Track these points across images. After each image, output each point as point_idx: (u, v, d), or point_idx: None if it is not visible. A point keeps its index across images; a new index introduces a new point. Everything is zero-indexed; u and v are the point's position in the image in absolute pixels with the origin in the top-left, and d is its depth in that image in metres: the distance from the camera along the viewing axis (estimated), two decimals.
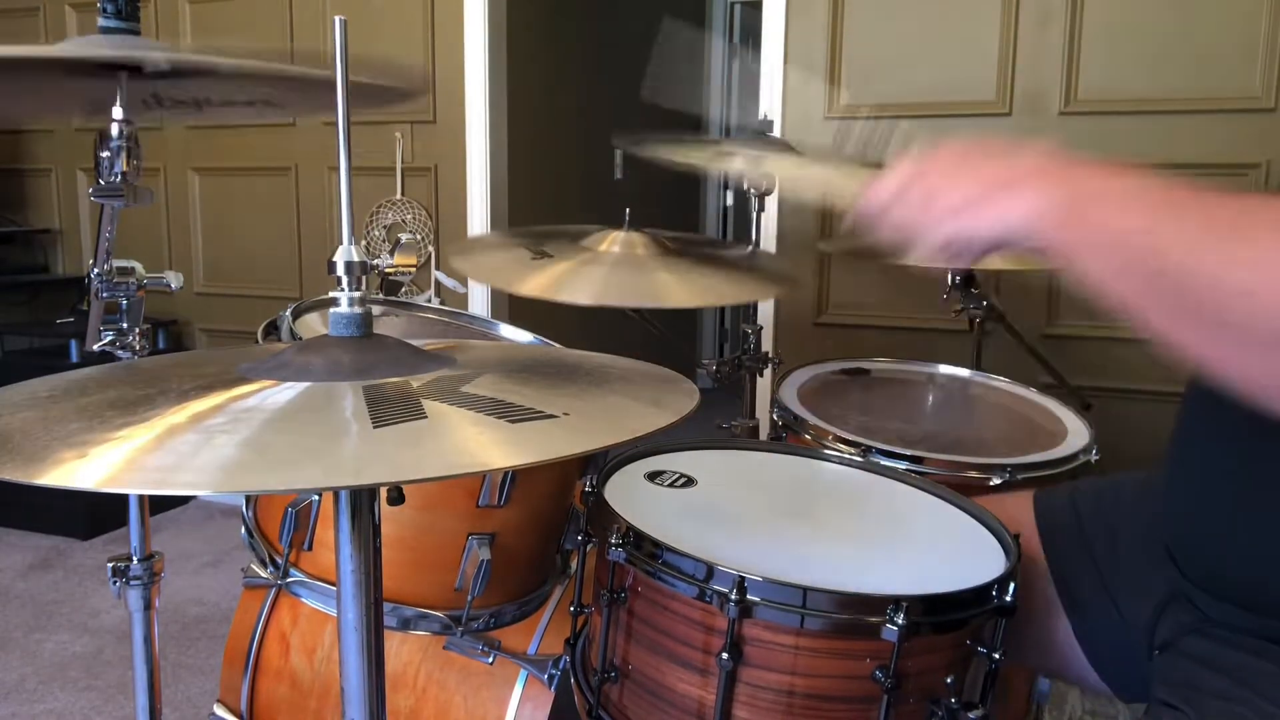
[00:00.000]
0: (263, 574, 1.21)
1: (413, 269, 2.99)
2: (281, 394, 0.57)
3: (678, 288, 1.20)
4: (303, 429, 0.53)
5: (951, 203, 0.67)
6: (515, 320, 1.55)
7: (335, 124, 0.61)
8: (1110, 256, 0.58)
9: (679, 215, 4.91)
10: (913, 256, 0.72)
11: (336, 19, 0.59)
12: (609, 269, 1.21)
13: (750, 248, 1.58)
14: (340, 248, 0.63)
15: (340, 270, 0.63)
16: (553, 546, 1.29)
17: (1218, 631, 0.77)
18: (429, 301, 2.87)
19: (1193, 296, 0.54)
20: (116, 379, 0.64)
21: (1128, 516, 0.95)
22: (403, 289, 2.91)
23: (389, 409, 0.54)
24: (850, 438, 1.29)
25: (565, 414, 0.57)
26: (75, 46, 0.84)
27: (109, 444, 0.49)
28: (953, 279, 1.73)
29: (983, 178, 0.66)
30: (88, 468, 0.46)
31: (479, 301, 2.90)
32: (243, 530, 1.25)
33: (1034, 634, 0.95)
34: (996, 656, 0.80)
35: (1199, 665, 0.77)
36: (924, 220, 0.68)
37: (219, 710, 1.26)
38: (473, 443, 0.53)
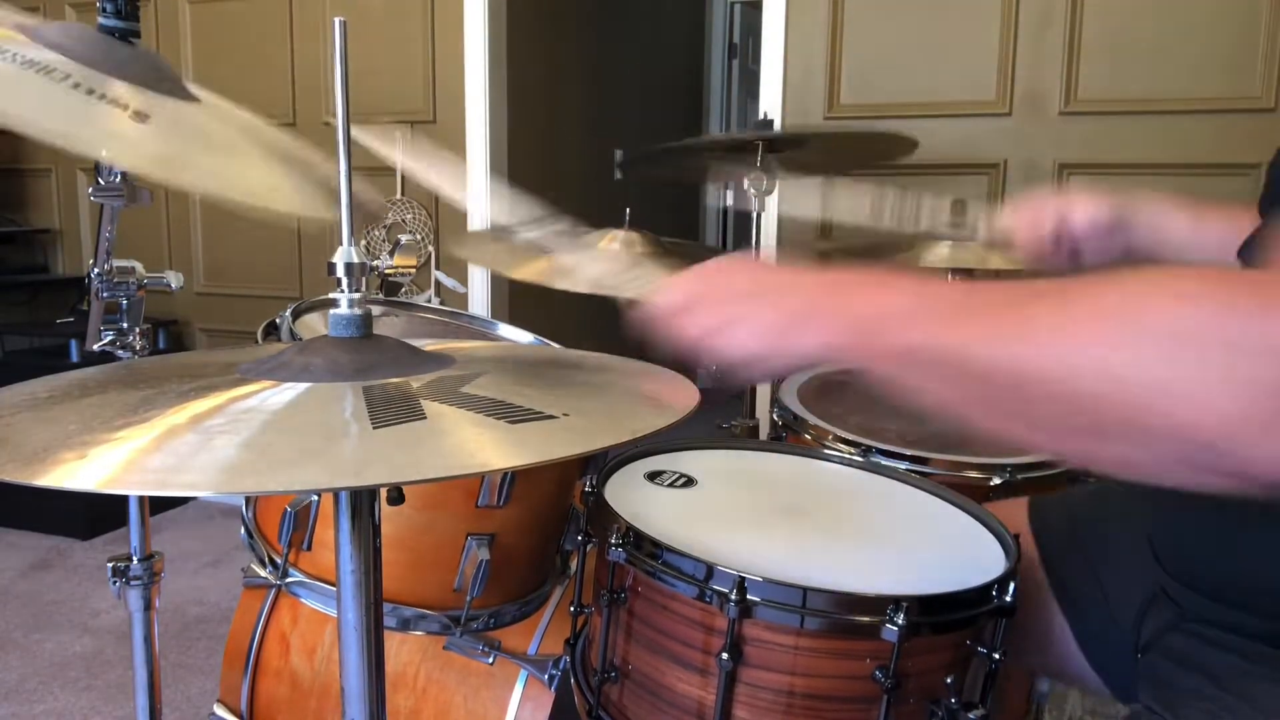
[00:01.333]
0: (262, 574, 1.21)
1: (413, 269, 2.99)
2: (281, 395, 0.57)
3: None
4: (303, 430, 0.53)
5: (750, 329, 0.67)
6: (515, 320, 1.55)
7: (335, 124, 0.61)
8: (908, 371, 0.59)
9: (679, 216, 4.91)
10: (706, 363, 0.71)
11: (336, 20, 0.59)
12: (607, 263, 1.22)
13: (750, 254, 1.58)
14: (340, 249, 0.63)
15: (340, 271, 0.63)
16: (553, 546, 1.29)
17: (1194, 628, 0.78)
18: (429, 301, 2.87)
19: (1000, 398, 0.53)
20: (116, 379, 0.64)
21: (1117, 516, 0.95)
22: (402, 289, 2.91)
23: (389, 410, 0.54)
24: (850, 438, 1.29)
25: (565, 414, 0.57)
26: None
27: (109, 444, 0.49)
28: (952, 279, 1.73)
29: (773, 307, 0.67)
30: (88, 468, 0.46)
31: (479, 301, 2.90)
32: (242, 530, 1.25)
33: (1033, 634, 0.95)
34: (997, 657, 0.80)
35: (1177, 664, 0.78)
36: (722, 342, 0.68)
37: (219, 710, 1.26)
38: (473, 443, 0.53)
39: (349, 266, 0.63)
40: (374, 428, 0.52)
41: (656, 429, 0.57)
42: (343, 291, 0.63)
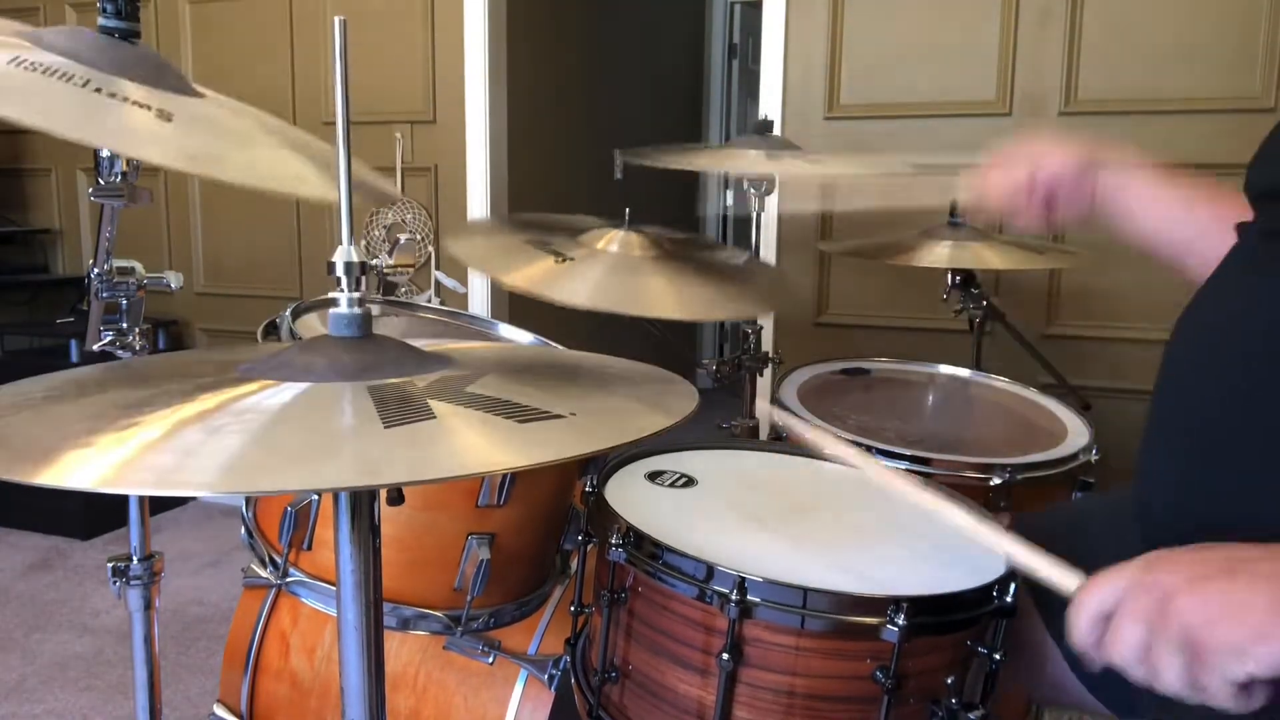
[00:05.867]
0: (263, 574, 1.21)
1: (410, 269, 2.96)
2: (283, 393, 0.57)
3: (669, 298, 1.20)
4: (311, 428, 0.53)
5: (1230, 639, 0.58)
6: (515, 321, 1.55)
7: (335, 124, 0.61)
8: None
9: (679, 215, 4.91)
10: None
11: (336, 19, 0.59)
12: (604, 272, 1.21)
13: (747, 255, 1.58)
14: (340, 248, 0.63)
15: (340, 271, 0.63)
16: (553, 546, 1.29)
17: None
18: (429, 301, 2.87)
19: None
20: (114, 379, 0.64)
21: (1101, 536, 0.94)
22: (401, 289, 2.91)
23: (397, 409, 0.54)
24: (850, 438, 1.29)
25: (571, 414, 0.57)
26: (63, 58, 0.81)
27: (111, 442, 0.49)
28: (952, 279, 1.73)
29: (1255, 609, 0.57)
30: (88, 466, 0.46)
31: (479, 302, 2.90)
32: (242, 530, 1.25)
33: (1026, 663, 0.94)
34: (997, 657, 0.80)
35: None
36: (1193, 663, 0.59)
37: (219, 710, 1.26)
38: (484, 442, 0.53)
39: (348, 266, 0.63)
40: (385, 427, 0.52)
41: (660, 429, 0.57)
42: (342, 291, 0.63)
